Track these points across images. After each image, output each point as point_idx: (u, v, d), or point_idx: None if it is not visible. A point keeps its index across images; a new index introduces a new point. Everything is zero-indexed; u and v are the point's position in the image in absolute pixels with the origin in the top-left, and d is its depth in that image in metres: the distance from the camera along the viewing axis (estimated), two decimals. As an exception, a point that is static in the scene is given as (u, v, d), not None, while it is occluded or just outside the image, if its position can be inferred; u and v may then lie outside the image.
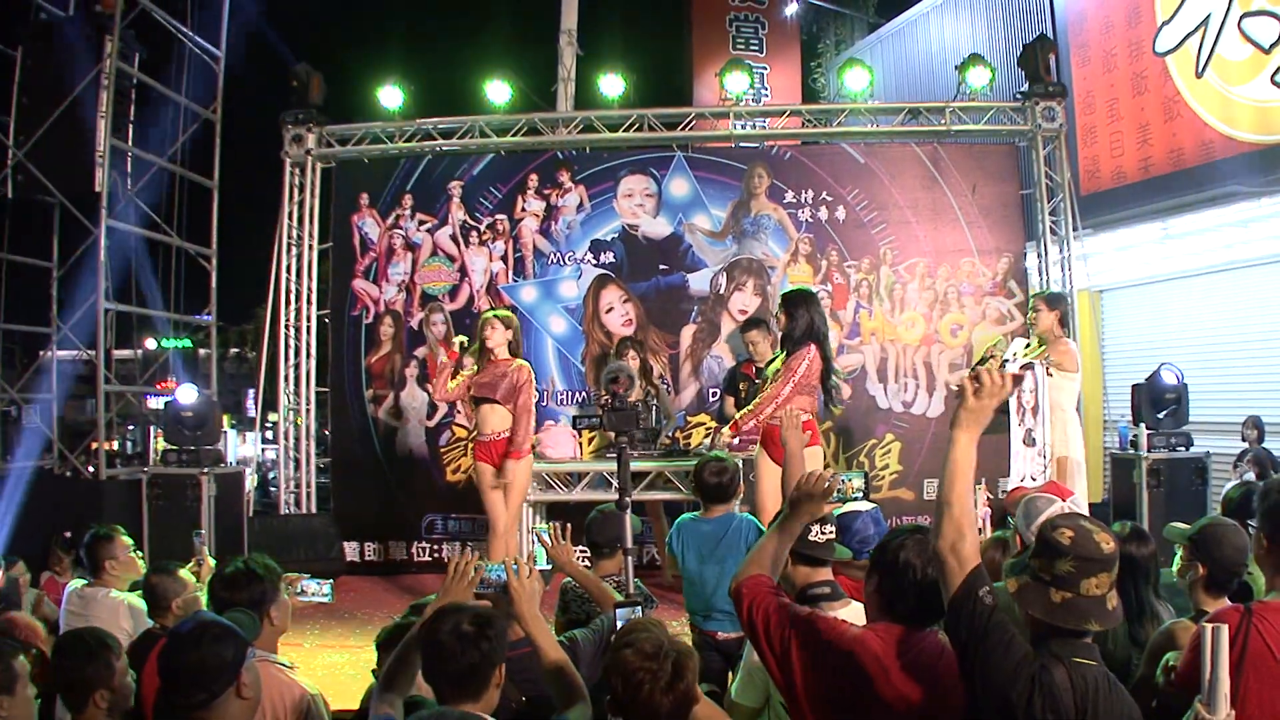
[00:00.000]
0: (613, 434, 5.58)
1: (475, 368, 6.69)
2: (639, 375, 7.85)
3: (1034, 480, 5.89)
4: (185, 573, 4.00)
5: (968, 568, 2.25)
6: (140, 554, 4.71)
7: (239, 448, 10.00)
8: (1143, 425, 7.62)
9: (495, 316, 6.64)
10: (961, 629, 2.24)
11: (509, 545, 6.61)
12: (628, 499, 5.39)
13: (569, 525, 4.00)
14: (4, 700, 2.64)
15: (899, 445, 8.67)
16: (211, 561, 4.55)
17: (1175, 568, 3.38)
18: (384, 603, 7.84)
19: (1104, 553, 2.25)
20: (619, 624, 3.27)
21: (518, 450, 6.65)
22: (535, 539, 4.03)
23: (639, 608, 3.57)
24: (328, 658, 6.31)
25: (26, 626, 4.02)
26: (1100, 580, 2.25)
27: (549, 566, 3.90)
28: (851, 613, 2.94)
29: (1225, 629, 2.15)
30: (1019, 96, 9.15)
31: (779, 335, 6.19)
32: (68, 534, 6.67)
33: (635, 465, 6.72)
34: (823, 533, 3.13)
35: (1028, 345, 6.86)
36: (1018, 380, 2.41)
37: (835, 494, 2.90)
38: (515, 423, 6.57)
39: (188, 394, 8.26)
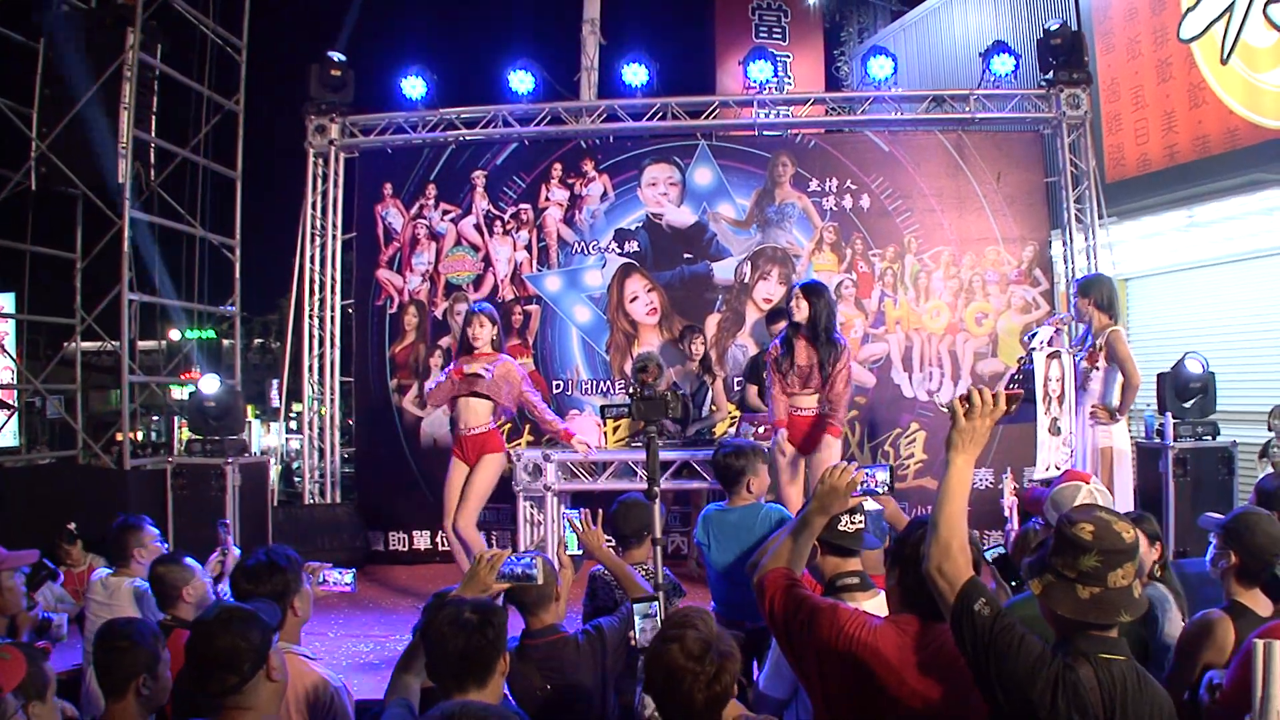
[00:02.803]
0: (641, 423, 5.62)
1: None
2: (699, 364, 7.87)
3: (1058, 469, 5.89)
4: (191, 561, 4.00)
5: (958, 586, 2.25)
6: (165, 544, 4.72)
7: (263, 438, 10.02)
8: (1168, 414, 7.57)
9: (481, 312, 6.60)
10: (966, 645, 2.22)
11: (468, 539, 6.57)
12: (657, 488, 5.39)
13: (600, 511, 4.00)
14: (36, 706, 2.66)
15: (924, 434, 8.64)
16: (236, 551, 4.57)
17: (1208, 557, 3.36)
18: (408, 592, 7.86)
19: (1126, 542, 2.24)
20: (637, 620, 3.28)
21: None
22: (566, 524, 4.02)
23: (653, 604, 3.57)
24: (352, 647, 6.31)
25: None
26: (1126, 570, 2.23)
27: (580, 551, 3.91)
28: (878, 603, 2.93)
29: (1278, 646, 2.13)
30: (1043, 84, 9.10)
31: (802, 323, 6.15)
32: (72, 525, 6.66)
33: (662, 454, 6.74)
34: (852, 522, 3.13)
35: (1055, 331, 6.82)
36: (1013, 400, 2.38)
37: (859, 487, 2.89)
38: (536, 411, 6.62)
39: (211, 384, 8.28)
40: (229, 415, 8.33)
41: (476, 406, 6.50)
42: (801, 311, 6.13)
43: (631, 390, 5.68)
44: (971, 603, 2.22)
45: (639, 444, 7.81)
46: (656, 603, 3.66)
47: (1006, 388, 6.79)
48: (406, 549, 8.88)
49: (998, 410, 2.37)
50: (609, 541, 4.08)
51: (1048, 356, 5.98)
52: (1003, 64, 9.00)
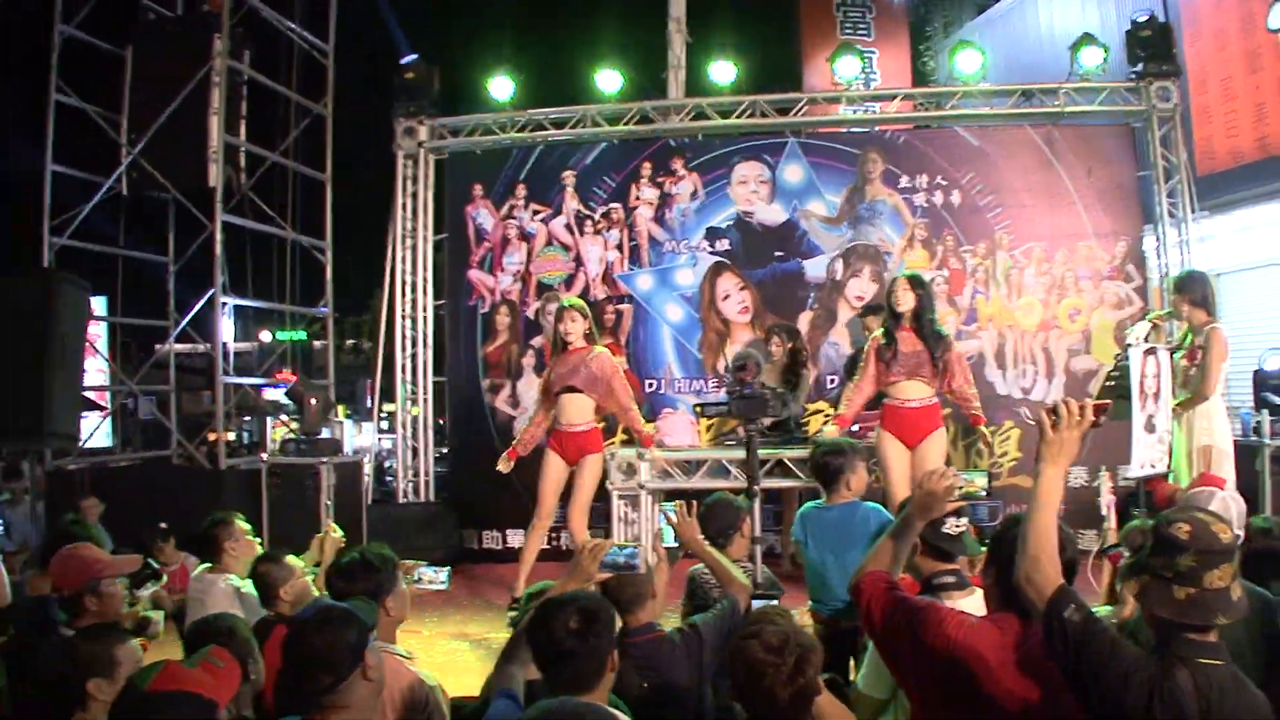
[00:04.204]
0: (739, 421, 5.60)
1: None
2: (790, 359, 7.84)
3: (1153, 467, 5.80)
4: (293, 559, 3.99)
5: (1047, 594, 2.23)
6: (259, 540, 4.74)
7: (355, 438, 10.12)
8: (1265, 411, 7.45)
9: (572, 306, 6.61)
10: (1058, 653, 2.20)
11: (577, 537, 6.58)
12: (757, 487, 5.38)
13: (694, 502, 3.97)
14: (102, 684, 2.70)
15: (1018, 432, 8.53)
16: (338, 533, 4.52)
17: None
18: (502, 590, 7.87)
19: (1223, 543, 2.19)
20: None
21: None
22: (663, 517, 4.01)
23: (774, 599, 3.55)
24: (446, 645, 6.34)
25: None
26: (1223, 572, 2.19)
27: (676, 544, 3.90)
28: (975, 602, 2.89)
29: None
30: (1132, 76, 8.97)
31: (907, 313, 6.12)
32: (163, 525, 6.73)
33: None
34: (956, 526, 3.09)
35: (1153, 328, 6.71)
36: (1101, 410, 2.35)
37: (958, 493, 2.87)
38: (624, 412, 6.62)
39: (300, 384, 8.39)
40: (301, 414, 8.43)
41: (579, 402, 6.48)
42: (906, 301, 6.11)
43: (730, 388, 5.70)
44: (1061, 610, 2.21)
45: (731, 442, 7.81)
46: (773, 598, 3.65)
47: (1102, 385, 6.74)
48: (500, 547, 8.91)
49: (1085, 421, 2.34)
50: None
51: (1144, 353, 5.89)
52: (1091, 57, 8.88)
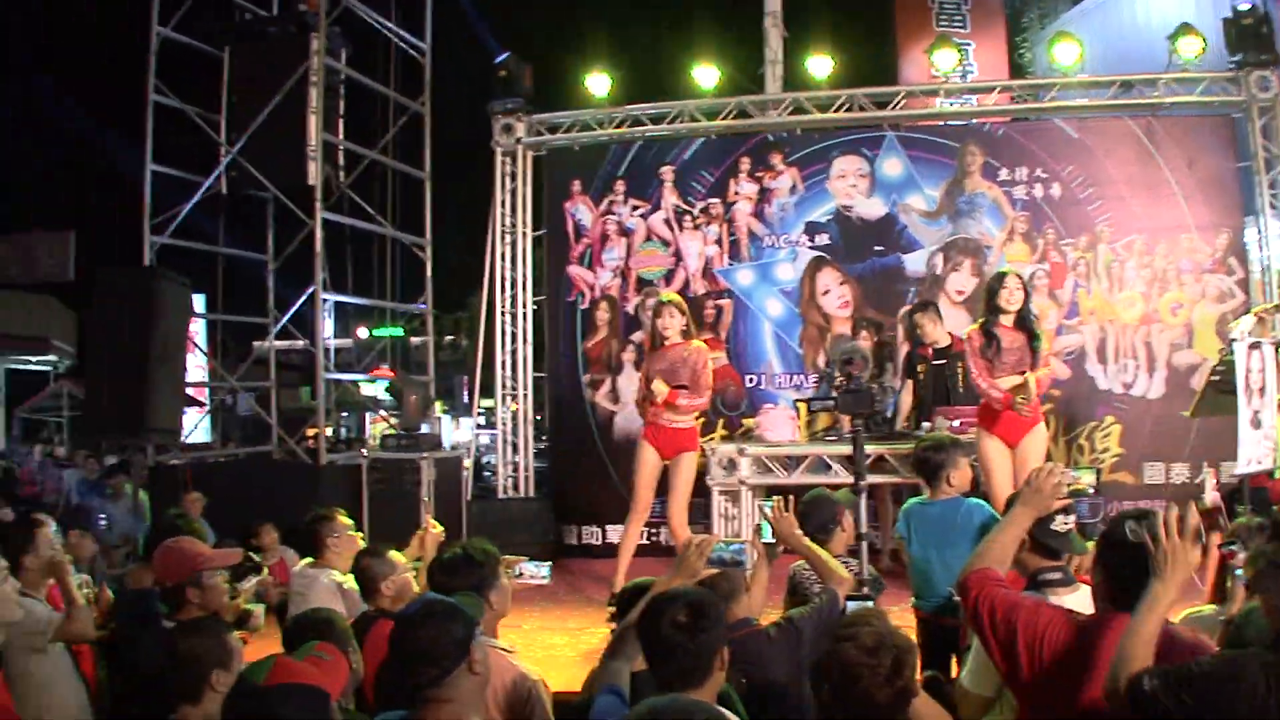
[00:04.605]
0: (846, 416, 5.59)
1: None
2: (873, 355, 7.83)
3: (1259, 464, 5.75)
4: (395, 554, 4.03)
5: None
6: (361, 535, 4.78)
7: (453, 433, 10.23)
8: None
9: (670, 302, 6.65)
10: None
11: (676, 535, 6.66)
12: (864, 483, 5.38)
13: (792, 497, 3.98)
14: (221, 675, 2.74)
15: (1119, 428, 8.46)
16: (438, 529, 4.54)
17: None
18: (601, 585, 7.90)
19: None
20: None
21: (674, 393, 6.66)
22: (758, 512, 4.02)
23: (870, 601, 3.55)
24: (547, 639, 6.34)
25: None
26: None
27: (773, 540, 3.91)
28: (1080, 599, 2.90)
29: None
30: (1232, 66, 8.85)
31: (1014, 311, 6.11)
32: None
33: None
34: (1064, 523, 3.08)
35: (1258, 322, 6.65)
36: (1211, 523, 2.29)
37: (1066, 490, 2.88)
38: (698, 401, 6.67)
39: (401, 380, 8.48)
40: (401, 409, 8.51)
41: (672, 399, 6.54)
42: (1018, 299, 6.12)
43: (837, 383, 5.70)
44: (1141, 686, 2.12)
45: (831, 438, 7.82)
46: (870, 599, 3.65)
47: (1206, 381, 6.67)
48: (600, 542, 8.95)
49: (1192, 561, 2.27)
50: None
51: (1249, 347, 5.83)
52: (1189, 47, 8.76)
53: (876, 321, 8.27)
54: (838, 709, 2.40)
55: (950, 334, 7.63)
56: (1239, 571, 3.48)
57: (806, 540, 3.91)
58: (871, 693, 2.31)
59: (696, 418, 6.91)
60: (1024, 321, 6.11)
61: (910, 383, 7.71)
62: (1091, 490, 2.99)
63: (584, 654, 5.76)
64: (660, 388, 6.58)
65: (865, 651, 2.32)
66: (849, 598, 3.68)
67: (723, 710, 2.27)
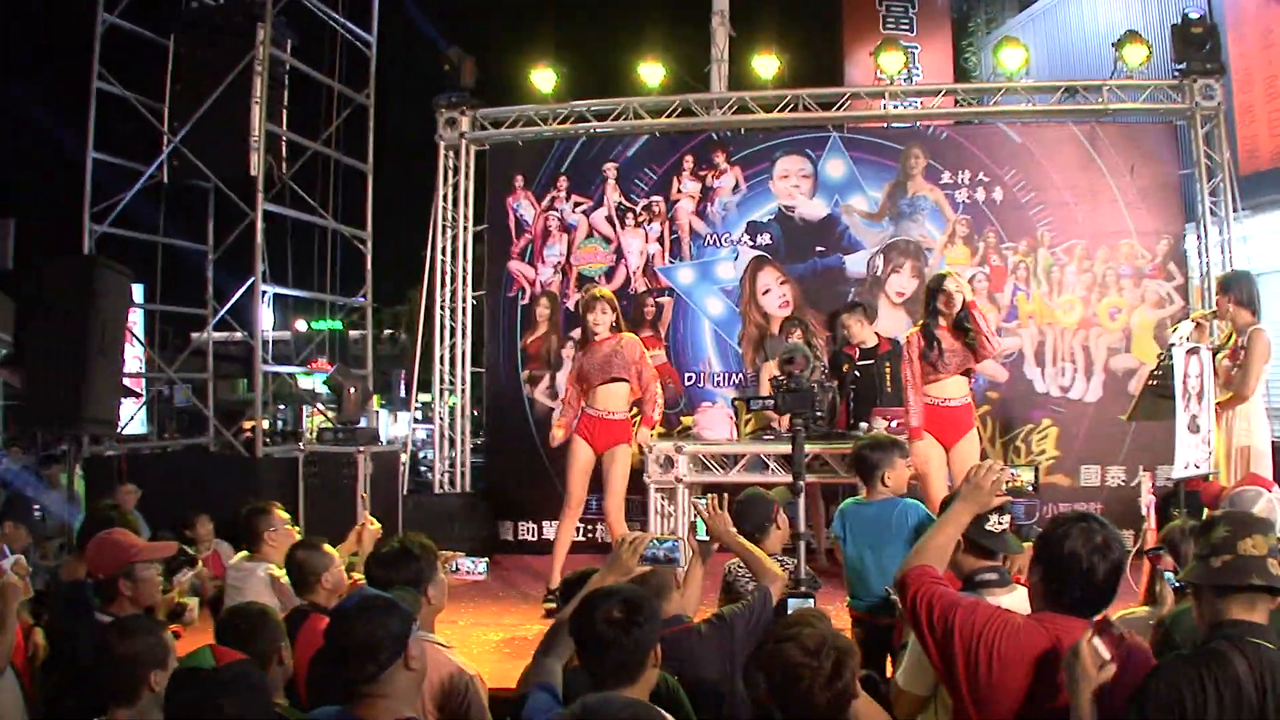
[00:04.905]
0: (786, 416, 5.58)
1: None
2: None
3: (1197, 468, 5.77)
4: (329, 548, 4.00)
5: None
6: (297, 528, 4.74)
7: (390, 427, 10.16)
8: (1307, 412, 7.40)
9: (601, 298, 6.65)
10: None
11: (614, 530, 6.67)
12: (802, 483, 5.37)
13: (726, 495, 3.98)
14: (157, 675, 2.75)
15: (1056, 430, 8.50)
16: (375, 525, 4.53)
17: None
18: (537, 581, 7.86)
19: (1254, 516, 2.30)
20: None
21: (650, 419, 6.82)
22: (694, 510, 4.02)
23: (810, 599, 3.54)
24: (482, 635, 6.31)
25: None
26: (1256, 541, 2.25)
27: (707, 537, 3.90)
28: (1017, 599, 2.91)
29: None
30: (1176, 74, 8.91)
31: (952, 313, 6.14)
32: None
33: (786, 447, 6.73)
34: (999, 523, 3.09)
35: (1196, 327, 6.67)
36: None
37: (1005, 487, 2.88)
38: (644, 394, 6.70)
39: (339, 374, 8.41)
40: (339, 403, 8.44)
41: (616, 391, 6.60)
42: (958, 302, 6.15)
43: (777, 382, 5.68)
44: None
45: (769, 437, 7.80)
46: (810, 597, 3.64)
47: (1143, 385, 6.70)
48: (535, 538, 8.92)
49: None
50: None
51: (1187, 352, 5.86)
52: (1135, 54, 8.81)
53: (803, 321, 8.28)
54: (777, 709, 2.42)
55: (877, 335, 7.66)
56: (1169, 575, 3.53)
57: (740, 538, 3.91)
58: (812, 694, 2.32)
59: (632, 412, 6.85)
60: (961, 325, 6.14)
61: (835, 383, 7.72)
62: (1031, 488, 2.98)
63: (519, 650, 5.72)
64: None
65: (807, 653, 2.33)
66: (789, 595, 3.68)
67: (656, 708, 2.25)
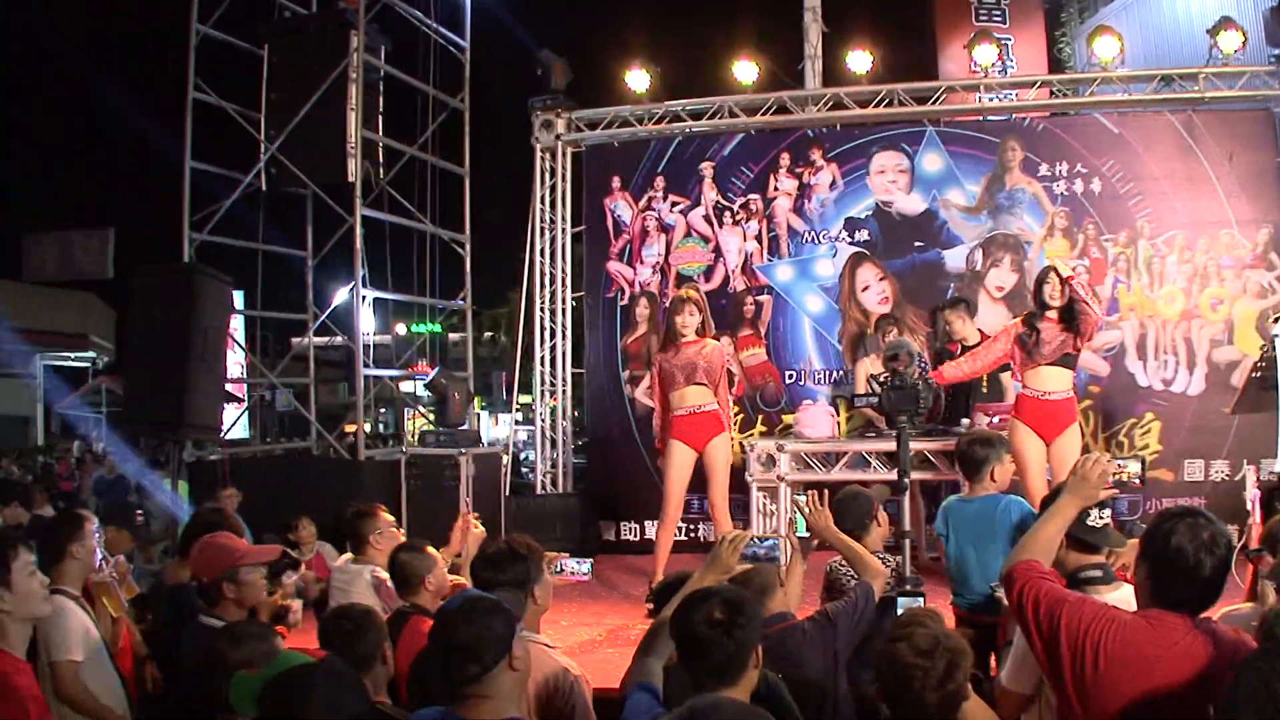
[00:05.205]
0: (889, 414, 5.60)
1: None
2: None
3: None
4: (431, 550, 4.02)
5: None
6: (402, 530, 4.77)
7: (491, 429, 10.26)
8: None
9: (688, 299, 6.67)
10: None
11: (719, 525, 6.69)
12: (907, 480, 5.39)
13: (826, 491, 4.00)
14: (380, 671, 2.83)
15: (1159, 424, 8.42)
16: (479, 528, 4.57)
17: None
18: (640, 581, 7.92)
19: None
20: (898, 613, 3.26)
21: (725, 425, 6.85)
22: (794, 508, 4.04)
23: (920, 597, 3.56)
24: (586, 635, 6.36)
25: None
26: None
27: (807, 535, 3.93)
28: (1122, 597, 2.88)
29: None
30: (1272, 60, 8.80)
31: (1060, 306, 6.18)
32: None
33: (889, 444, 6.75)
34: (1100, 517, 3.08)
35: None
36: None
37: (1112, 479, 2.88)
38: (722, 402, 6.73)
39: (442, 376, 8.51)
40: (444, 406, 8.55)
41: (698, 391, 6.63)
42: (1061, 295, 6.18)
43: (882, 380, 5.71)
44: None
45: (871, 434, 7.83)
46: (921, 595, 3.66)
47: (1247, 377, 6.65)
48: (638, 538, 8.99)
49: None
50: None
51: None
52: (1230, 40, 8.70)
53: (898, 318, 8.29)
54: (887, 708, 2.42)
55: (980, 331, 7.65)
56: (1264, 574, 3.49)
57: (841, 534, 3.93)
58: (924, 695, 2.31)
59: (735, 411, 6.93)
60: (1069, 313, 6.16)
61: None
62: (1138, 481, 2.98)
63: (622, 650, 5.78)
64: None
65: (919, 653, 2.32)
66: (901, 594, 3.70)
67: (763, 711, 2.24)
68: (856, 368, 8.44)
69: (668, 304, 8.69)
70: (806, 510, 3.92)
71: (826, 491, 4.04)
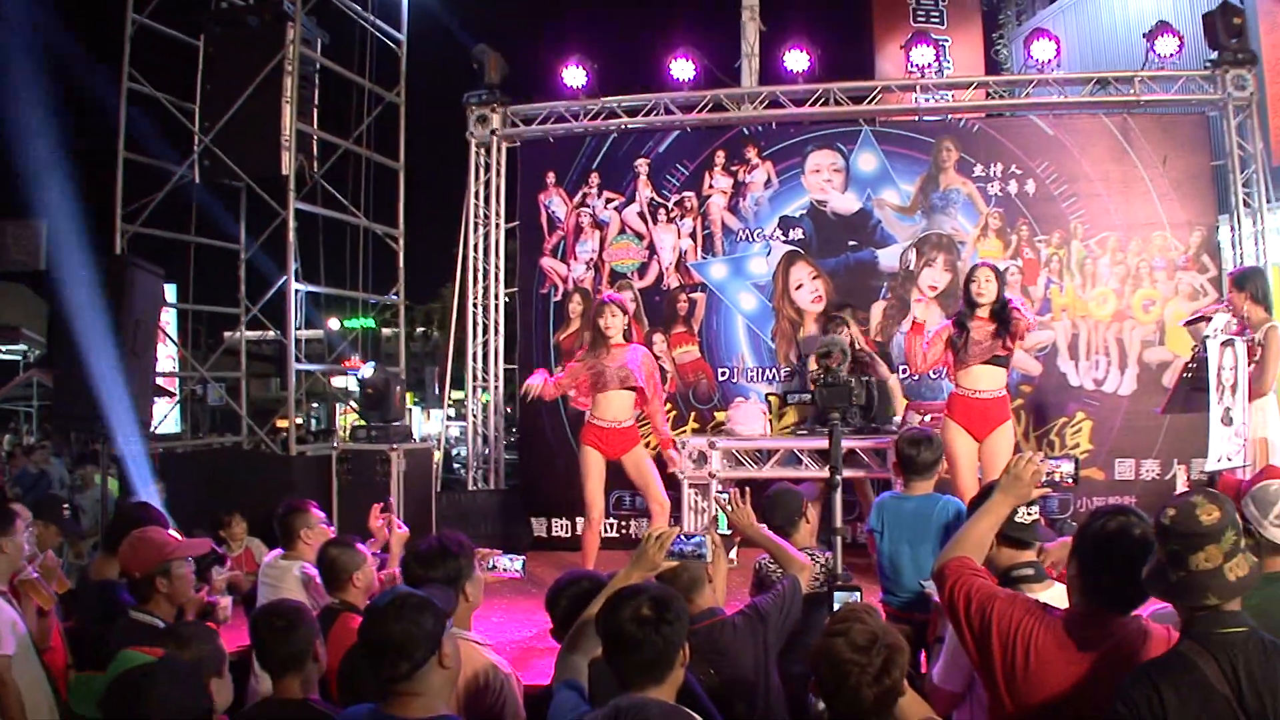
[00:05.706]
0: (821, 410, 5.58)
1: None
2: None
3: (1230, 461, 5.76)
4: (363, 546, 4.02)
5: None
6: (332, 527, 4.74)
7: (423, 425, 10.19)
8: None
9: (611, 303, 6.61)
10: None
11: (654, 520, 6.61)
12: (839, 477, 5.36)
13: (748, 489, 4.00)
14: (217, 684, 2.79)
15: (1090, 424, 8.48)
16: (403, 529, 4.55)
17: None
18: (572, 578, 7.88)
19: (1203, 526, 2.20)
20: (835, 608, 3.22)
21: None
22: (716, 505, 4.03)
23: (856, 592, 3.54)
24: (516, 633, 6.31)
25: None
26: (1209, 553, 2.20)
27: (729, 532, 3.92)
28: (1054, 595, 2.89)
29: None
30: (1208, 64, 8.87)
31: (987, 304, 6.18)
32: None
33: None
34: (1029, 514, 3.08)
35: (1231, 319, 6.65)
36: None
37: (1045, 479, 2.87)
38: (654, 411, 6.70)
39: (369, 370, 8.43)
40: (387, 402, 8.45)
41: (623, 399, 6.53)
42: (990, 292, 6.20)
43: (814, 377, 5.69)
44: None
45: (804, 430, 7.82)
46: (858, 590, 3.64)
47: (1178, 377, 6.67)
48: (569, 535, 8.90)
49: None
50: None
51: (1221, 344, 5.85)
52: (1166, 45, 8.76)
53: (844, 318, 8.26)
54: (825, 704, 2.40)
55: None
56: None
57: (763, 530, 3.92)
58: (860, 690, 2.29)
59: (640, 420, 6.83)
60: (1000, 312, 6.16)
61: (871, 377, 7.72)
62: (1070, 481, 2.96)
63: (554, 648, 5.73)
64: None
65: (856, 649, 2.31)
66: (837, 589, 3.66)
67: (689, 712, 2.25)
68: (806, 364, 8.40)
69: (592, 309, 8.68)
70: (728, 508, 3.90)
71: (749, 489, 4.04)
